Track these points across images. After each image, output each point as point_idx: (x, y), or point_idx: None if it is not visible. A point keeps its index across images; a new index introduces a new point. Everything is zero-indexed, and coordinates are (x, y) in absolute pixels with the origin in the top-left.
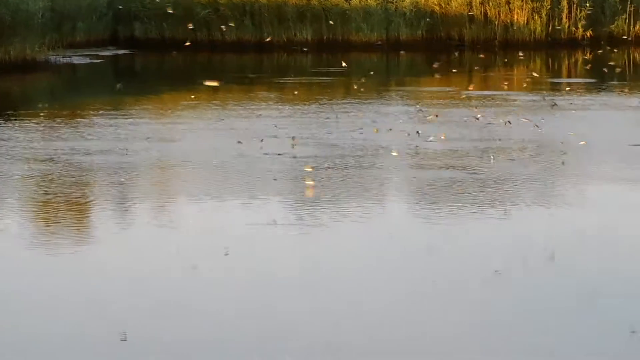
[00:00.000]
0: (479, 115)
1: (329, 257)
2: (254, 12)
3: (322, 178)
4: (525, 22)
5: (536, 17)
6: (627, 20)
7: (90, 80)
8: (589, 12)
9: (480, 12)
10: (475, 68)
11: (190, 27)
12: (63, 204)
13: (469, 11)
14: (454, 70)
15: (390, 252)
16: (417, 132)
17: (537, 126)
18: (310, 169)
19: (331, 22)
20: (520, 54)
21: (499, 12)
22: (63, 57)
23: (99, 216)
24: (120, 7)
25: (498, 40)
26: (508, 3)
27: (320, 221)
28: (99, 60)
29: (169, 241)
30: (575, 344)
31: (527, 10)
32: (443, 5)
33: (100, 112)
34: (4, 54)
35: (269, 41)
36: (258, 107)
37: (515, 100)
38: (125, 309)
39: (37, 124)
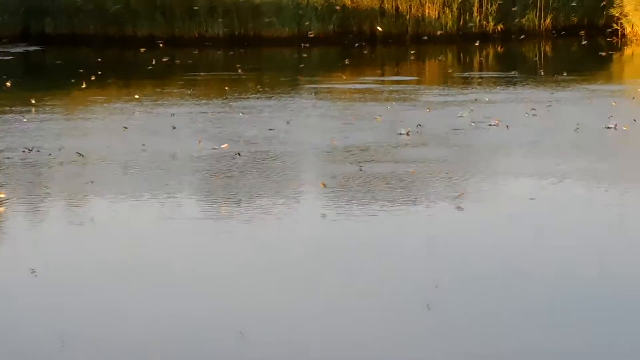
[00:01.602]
0: (388, 106)
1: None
2: (165, 7)
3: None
4: (437, 16)
5: (447, 11)
6: (537, 14)
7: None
8: (500, 5)
9: (392, 6)
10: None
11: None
12: None
13: (381, 5)
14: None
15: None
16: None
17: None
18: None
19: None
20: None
21: (410, 6)
22: None
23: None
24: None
25: (409, 35)
26: None
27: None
28: (8, 58)
29: (81, 238)
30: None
31: (438, 4)
32: None
33: (6, 108)
34: None
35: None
36: (168, 103)
37: (424, 94)
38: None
39: None
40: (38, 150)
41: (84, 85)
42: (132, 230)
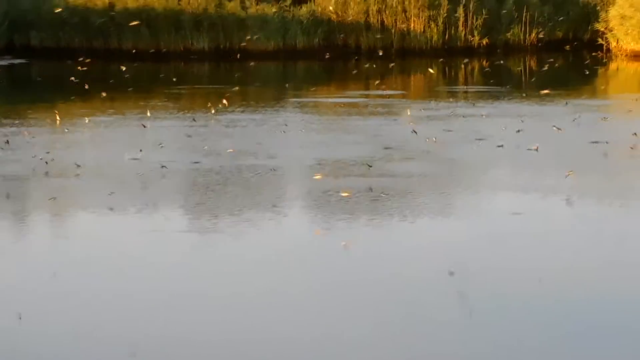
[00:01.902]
0: (374, 120)
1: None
2: (150, 21)
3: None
4: (422, 30)
5: (432, 25)
6: (522, 29)
7: None
8: (485, 19)
9: (377, 20)
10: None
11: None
12: None
13: (366, 19)
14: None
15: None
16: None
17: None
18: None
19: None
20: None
21: (395, 20)
22: None
23: None
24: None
25: (395, 48)
26: (405, 11)
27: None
28: None
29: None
30: None
31: (423, 18)
32: (340, 13)
33: None
34: None
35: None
36: (152, 116)
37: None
38: None
39: None
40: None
41: (69, 98)
42: (115, 244)
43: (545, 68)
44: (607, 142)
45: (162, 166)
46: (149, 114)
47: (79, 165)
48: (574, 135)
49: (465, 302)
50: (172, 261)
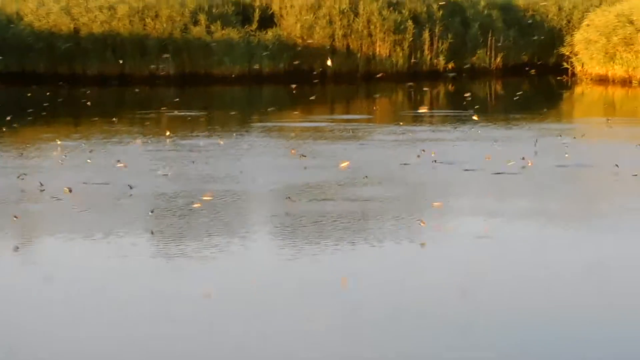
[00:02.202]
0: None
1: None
2: (116, 46)
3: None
4: (388, 54)
5: (398, 50)
6: (488, 52)
7: None
8: (450, 43)
9: (343, 44)
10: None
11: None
12: None
13: (332, 43)
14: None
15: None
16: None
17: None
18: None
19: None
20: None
21: (361, 44)
22: None
23: None
24: None
25: (360, 73)
26: (370, 35)
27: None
28: None
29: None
30: None
31: (389, 42)
32: (305, 37)
33: None
34: None
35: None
36: (116, 141)
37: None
38: None
39: None
40: None
41: (32, 123)
42: (81, 268)
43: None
44: (566, 167)
45: (130, 192)
46: (114, 138)
47: (42, 190)
48: (539, 159)
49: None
50: (136, 286)
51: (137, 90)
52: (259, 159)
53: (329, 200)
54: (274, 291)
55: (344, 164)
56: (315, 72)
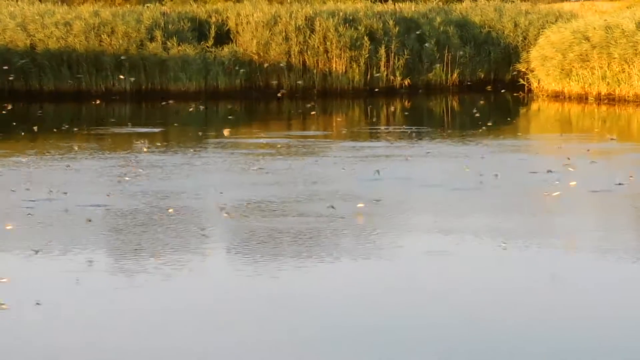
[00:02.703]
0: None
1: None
2: (72, 62)
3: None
4: (344, 70)
5: (354, 66)
6: (444, 69)
7: None
8: (407, 60)
9: (299, 60)
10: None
11: (10, 77)
12: None
13: (288, 60)
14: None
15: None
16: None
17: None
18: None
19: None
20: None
21: (317, 60)
22: None
23: None
24: None
25: (317, 89)
26: (326, 52)
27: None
28: None
29: None
30: None
31: (345, 58)
32: (262, 54)
33: None
34: None
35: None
36: (70, 157)
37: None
38: None
39: None
40: None
41: None
42: (42, 286)
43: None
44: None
45: (92, 215)
46: (70, 154)
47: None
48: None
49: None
50: (94, 305)
51: (94, 102)
52: (213, 175)
53: (284, 216)
54: (235, 306)
55: (227, 131)
56: (271, 89)
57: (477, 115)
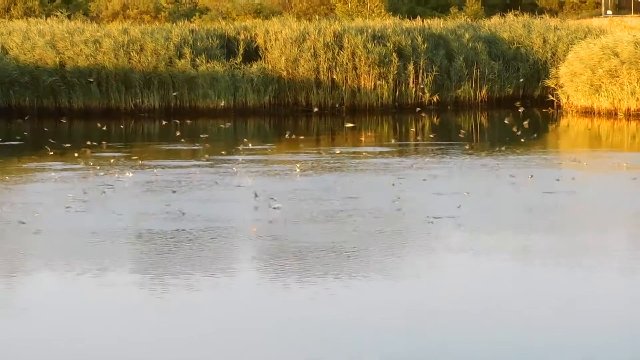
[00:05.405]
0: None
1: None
2: (101, 79)
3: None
4: (373, 87)
5: (383, 82)
6: (473, 85)
7: None
8: (435, 76)
9: (328, 77)
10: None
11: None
12: None
13: (316, 77)
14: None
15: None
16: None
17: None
18: None
19: (174, 94)
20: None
21: (346, 77)
22: None
23: None
24: None
25: (345, 106)
26: (355, 69)
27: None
28: None
29: None
30: None
31: (374, 75)
32: (290, 71)
33: None
34: None
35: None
36: (101, 173)
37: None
38: None
39: None
40: None
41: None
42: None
43: (495, 124)
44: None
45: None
46: (101, 172)
47: (23, 222)
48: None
49: None
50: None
51: (122, 125)
52: (245, 193)
53: (307, 234)
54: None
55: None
56: (299, 106)
57: (505, 131)
